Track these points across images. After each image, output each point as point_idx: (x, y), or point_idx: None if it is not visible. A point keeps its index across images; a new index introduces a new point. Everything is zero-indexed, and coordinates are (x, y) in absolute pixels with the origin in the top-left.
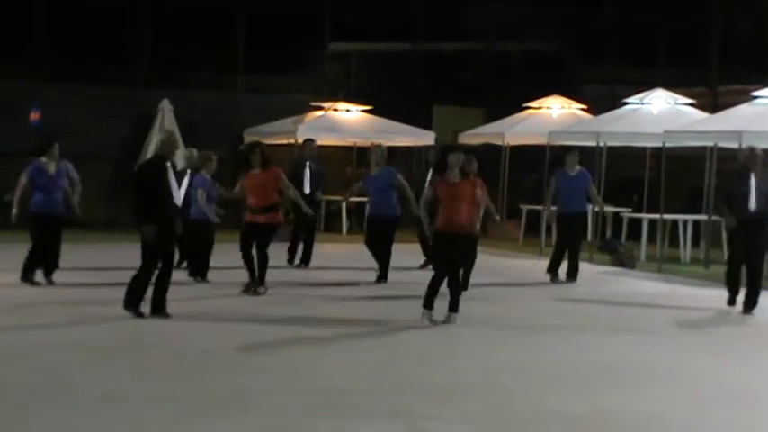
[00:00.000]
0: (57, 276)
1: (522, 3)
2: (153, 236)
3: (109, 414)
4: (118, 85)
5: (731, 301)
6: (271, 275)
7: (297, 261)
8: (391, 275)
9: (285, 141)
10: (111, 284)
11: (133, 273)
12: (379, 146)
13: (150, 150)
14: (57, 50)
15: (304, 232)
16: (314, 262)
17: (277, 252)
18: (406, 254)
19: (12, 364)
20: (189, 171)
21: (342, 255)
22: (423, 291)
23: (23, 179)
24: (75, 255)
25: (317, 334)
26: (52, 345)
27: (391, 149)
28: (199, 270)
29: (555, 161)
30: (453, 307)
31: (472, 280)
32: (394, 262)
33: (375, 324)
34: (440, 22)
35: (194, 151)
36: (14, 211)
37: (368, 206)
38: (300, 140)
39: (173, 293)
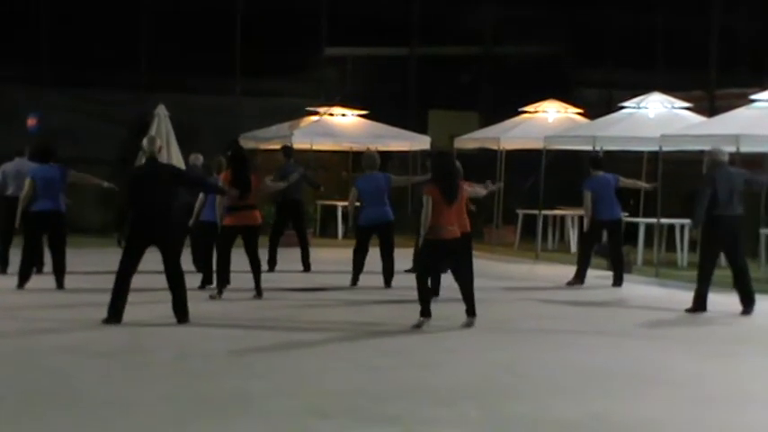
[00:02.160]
0: (51, 281)
1: (518, 6)
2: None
3: (111, 417)
4: (116, 89)
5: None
6: (270, 280)
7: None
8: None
9: (281, 146)
10: (104, 290)
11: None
12: (372, 151)
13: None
14: (56, 55)
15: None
16: (312, 266)
17: (282, 256)
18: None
19: (12, 369)
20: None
21: (338, 259)
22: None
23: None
24: (72, 259)
25: (316, 338)
26: (53, 349)
27: (387, 154)
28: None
29: (551, 165)
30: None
31: None
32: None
33: (373, 328)
34: (435, 27)
35: (200, 156)
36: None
37: (362, 212)
38: (295, 145)
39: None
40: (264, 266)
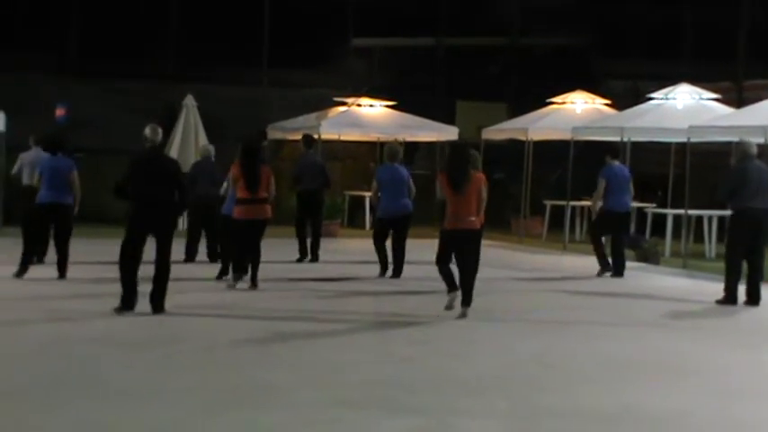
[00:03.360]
0: (76, 271)
1: None
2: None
3: (139, 407)
4: (144, 80)
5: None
6: (296, 270)
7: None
8: (409, 271)
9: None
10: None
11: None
12: (394, 142)
13: (175, 146)
14: (85, 46)
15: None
16: (339, 257)
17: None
18: (420, 249)
19: (39, 358)
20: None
21: (365, 249)
22: (441, 286)
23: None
24: (92, 248)
25: (343, 328)
26: (81, 339)
27: (414, 145)
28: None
29: (579, 156)
30: (467, 301)
31: (497, 274)
32: (414, 257)
33: (400, 318)
34: (463, 18)
35: (210, 147)
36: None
37: (381, 204)
38: (323, 136)
39: (198, 286)
40: (297, 255)
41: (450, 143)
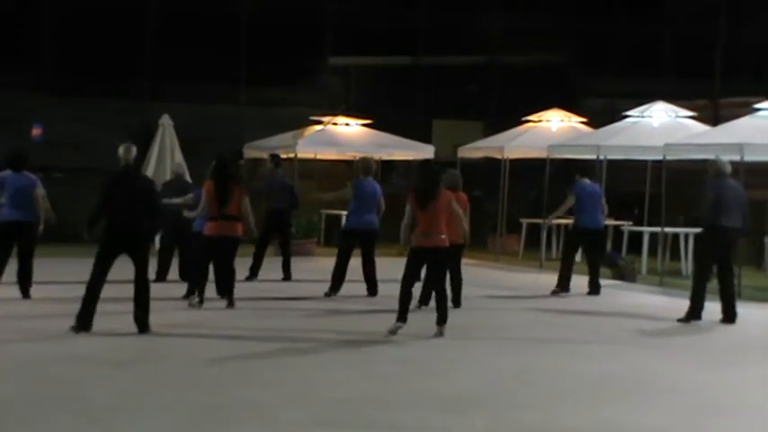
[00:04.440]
0: (59, 291)
1: (523, 15)
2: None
3: (119, 424)
4: (120, 98)
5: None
6: (273, 290)
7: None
8: (384, 289)
9: (284, 156)
10: (113, 299)
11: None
12: (368, 157)
13: (151, 165)
14: (60, 64)
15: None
16: (316, 276)
17: (275, 265)
18: (391, 267)
19: (21, 378)
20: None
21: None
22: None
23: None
24: (71, 268)
25: (322, 347)
26: (60, 358)
27: (390, 163)
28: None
29: (555, 175)
30: (442, 320)
31: (474, 292)
32: (386, 276)
33: (379, 337)
34: (439, 36)
35: (182, 164)
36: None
37: (349, 216)
38: (299, 155)
39: (174, 305)
40: (246, 274)
41: (420, 161)
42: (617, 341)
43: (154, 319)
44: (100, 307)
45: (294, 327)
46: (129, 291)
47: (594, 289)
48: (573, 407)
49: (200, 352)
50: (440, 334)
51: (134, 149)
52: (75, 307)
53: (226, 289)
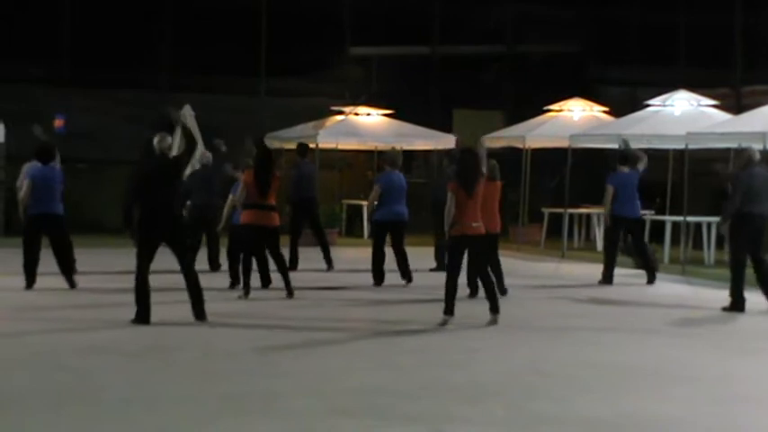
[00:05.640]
0: (77, 281)
1: (540, 4)
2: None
3: (136, 415)
4: (141, 89)
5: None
6: (294, 279)
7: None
8: (417, 279)
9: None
10: (130, 289)
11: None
12: (394, 150)
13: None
14: (79, 57)
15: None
16: (336, 265)
17: (304, 255)
18: (416, 257)
19: (37, 368)
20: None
21: (363, 258)
22: (439, 294)
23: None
24: (93, 259)
25: (340, 337)
26: (77, 349)
27: (411, 153)
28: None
29: (576, 164)
30: (494, 308)
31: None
32: (411, 265)
33: (397, 327)
34: (459, 26)
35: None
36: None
37: (380, 209)
38: (320, 145)
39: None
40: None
41: (461, 150)
42: (638, 330)
43: (177, 309)
44: (123, 298)
45: (312, 316)
46: (160, 281)
47: (651, 278)
48: (593, 397)
49: (216, 342)
50: (494, 322)
51: (168, 138)
52: (92, 297)
53: (282, 278)
